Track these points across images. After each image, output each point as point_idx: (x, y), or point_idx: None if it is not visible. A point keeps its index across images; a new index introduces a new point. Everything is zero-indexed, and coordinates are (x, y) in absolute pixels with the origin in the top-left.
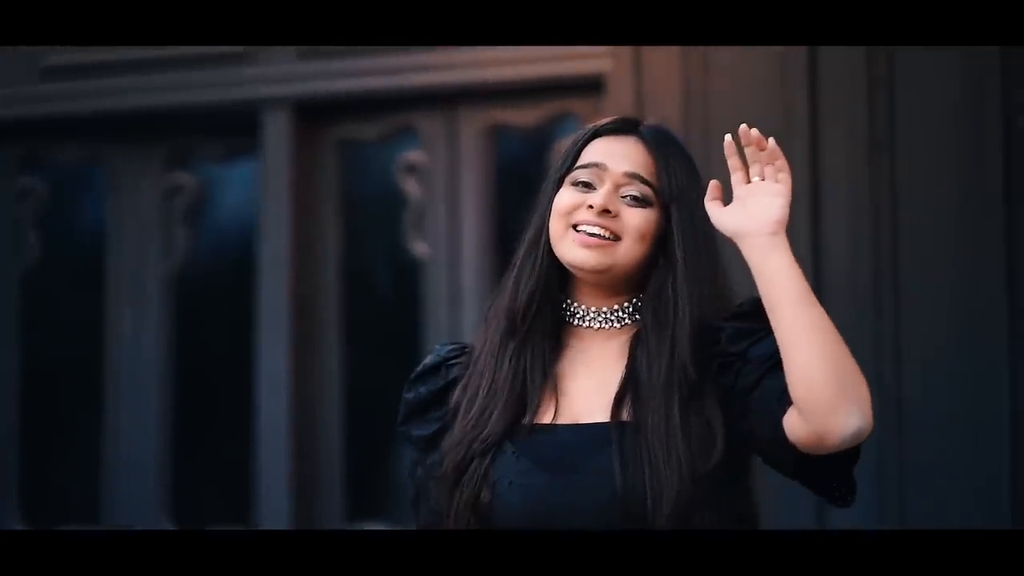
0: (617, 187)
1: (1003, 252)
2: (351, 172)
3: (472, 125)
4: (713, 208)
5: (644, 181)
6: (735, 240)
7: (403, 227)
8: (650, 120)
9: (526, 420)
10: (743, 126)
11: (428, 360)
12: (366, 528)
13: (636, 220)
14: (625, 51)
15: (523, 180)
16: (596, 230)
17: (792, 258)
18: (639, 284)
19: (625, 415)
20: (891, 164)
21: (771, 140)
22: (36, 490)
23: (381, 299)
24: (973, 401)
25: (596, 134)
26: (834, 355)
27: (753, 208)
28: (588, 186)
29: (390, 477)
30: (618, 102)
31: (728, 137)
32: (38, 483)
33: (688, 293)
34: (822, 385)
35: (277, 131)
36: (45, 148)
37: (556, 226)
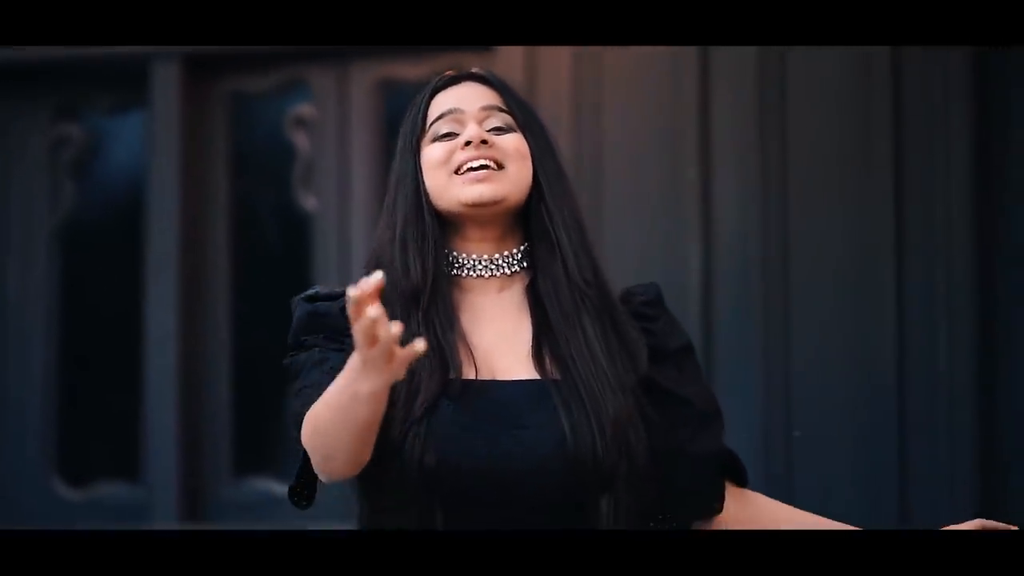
0: (479, 122)
1: (893, 249)
2: (241, 125)
3: (363, 79)
4: None
5: (501, 110)
6: None
7: (292, 181)
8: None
9: (453, 377)
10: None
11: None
12: (258, 483)
13: (511, 143)
14: None
15: None
16: (481, 162)
17: None
18: (523, 226)
19: (550, 367)
20: (783, 157)
21: None
22: None
23: (270, 252)
24: (860, 400)
25: (435, 91)
26: None
27: None
28: (450, 135)
29: (278, 431)
30: (508, 57)
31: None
32: None
33: (559, 209)
34: None
35: (166, 83)
36: None
37: (436, 179)
